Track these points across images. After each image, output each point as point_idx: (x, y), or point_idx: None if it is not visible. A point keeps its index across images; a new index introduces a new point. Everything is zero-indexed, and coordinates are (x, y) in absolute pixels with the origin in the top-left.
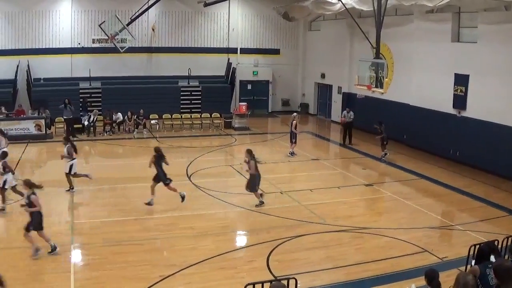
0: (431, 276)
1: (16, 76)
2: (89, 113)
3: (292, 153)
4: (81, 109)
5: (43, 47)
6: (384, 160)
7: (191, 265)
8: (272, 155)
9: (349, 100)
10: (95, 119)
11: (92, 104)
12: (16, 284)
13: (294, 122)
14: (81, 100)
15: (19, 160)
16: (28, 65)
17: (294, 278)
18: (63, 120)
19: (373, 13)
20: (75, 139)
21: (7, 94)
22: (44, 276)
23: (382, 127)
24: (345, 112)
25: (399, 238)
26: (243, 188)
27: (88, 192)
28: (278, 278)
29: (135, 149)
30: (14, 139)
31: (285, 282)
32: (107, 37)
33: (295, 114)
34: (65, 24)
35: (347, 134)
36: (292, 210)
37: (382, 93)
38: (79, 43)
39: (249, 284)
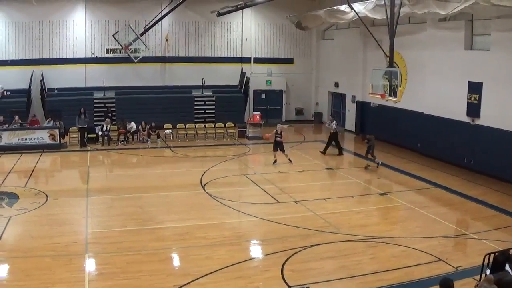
0: (446, 285)
1: (30, 86)
2: (102, 123)
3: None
4: (104, 118)
5: (57, 57)
6: (375, 164)
7: (206, 275)
8: (285, 165)
9: (363, 109)
10: (108, 128)
11: (105, 114)
12: None
13: (283, 132)
14: (105, 109)
15: (33, 169)
16: (42, 75)
17: (307, 287)
18: (77, 129)
19: (386, 22)
20: (88, 148)
21: (21, 103)
22: (58, 285)
23: (367, 138)
24: (328, 121)
25: (413, 247)
26: (257, 198)
27: (103, 202)
28: (292, 287)
29: (149, 158)
30: (28, 148)
31: None
32: (121, 47)
33: (279, 125)
34: (79, 34)
35: (332, 144)
36: (307, 219)
37: (396, 102)
38: (92, 53)
39: None
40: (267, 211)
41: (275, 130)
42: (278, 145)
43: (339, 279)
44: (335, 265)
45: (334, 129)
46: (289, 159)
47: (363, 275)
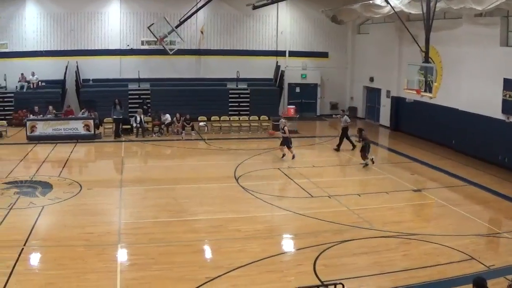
0: (480, 284)
1: (65, 76)
2: (135, 114)
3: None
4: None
5: (92, 48)
6: (366, 164)
7: (238, 268)
8: (320, 159)
9: (398, 104)
10: (141, 118)
11: (140, 106)
12: (62, 282)
13: (286, 127)
14: (141, 101)
15: (67, 159)
16: (77, 66)
17: (341, 283)
18: (112, 120)
19: (422, 17)
20: (123, 139)
21: (55, 94)
22: (90, 275)
23: (362, 134)
24: (339, 116)
25: (446, 245)
26: (291, 191)
27: (136, 192)
28: (324, 283)
29: (183, 150)
30: (63, 138)
31: (332, 287)
32: (156, 39)
33: (283, 120)
34: (114, 26)
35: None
36: (340, 214)
37: (431, 98)
38: (128, 45)
39: None
40: (300, 205)
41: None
42: (284, 141)
43: (371, 275)
44: (368, 261)
45: (346, 124)
46: (293, 155)
47: (395, 271)
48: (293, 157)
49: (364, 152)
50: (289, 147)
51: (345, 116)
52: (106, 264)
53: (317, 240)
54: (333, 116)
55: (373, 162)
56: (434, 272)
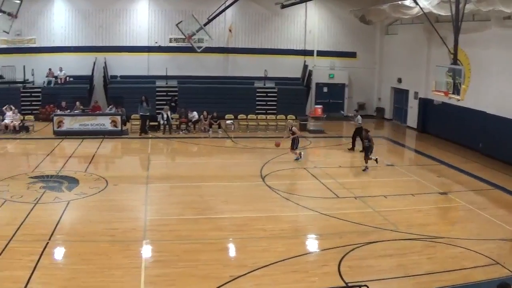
0: None
1: (92, 72)
2: (162, 111)
3: (300, 156)
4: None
5: (120, 45)
6: (367, 167)
7: (262, 267)
8: (346, 159)
9: (425, 106)
10: (168, 115)
11: (167, 103)
12: (86, 277)
13: (294, 128)
14: (169, 98)
15: (94, 155)
16: (105, 62)
17: (366, 285)
18: (138, 117)
19: (451, 18)
20: (149, 136)
21: (83, 90)
22: (115, 270)
23: (367, 135)
24: (353, 115)
25: (471, 249)
26: (317, 192)
27: (162, 189)
28: (349, 284)
29: (209, 148)
30: (90, 134)
31: None
32: (184, 37)
33: (290, 121)
34: (143, 23)
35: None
36: (366, 216)
37: (459, 100)
38: (156, 42)
39: None
40: (326, 205)
41: (287, 128)
42: (292, 142)
43: (395, 277)
44: (392, 264)
45: (359, 124)
46: (299, 155)
47: (420, 275)
48: (298, 158)
49: (367, 153)
50: (293, 148)
51: (358, 116)
52: (130, 260)
53: (342, 241)
54: (342, 114)
55: (376, 162)
56: (459, 276)
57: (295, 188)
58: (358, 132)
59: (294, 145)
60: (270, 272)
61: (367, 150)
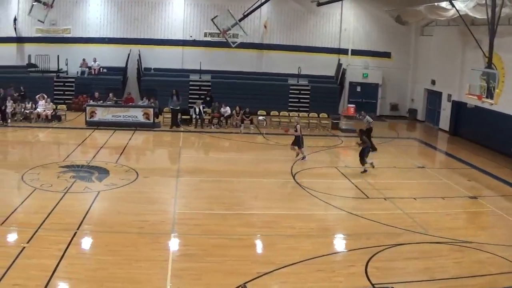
0: None
1: (126, 64)
2: (194, 105)
3: (304, 157)
4: (203, 100)
5: (155, 37)
6: (365, 170)
7: (289, 265)
8: (377, 160)
9: (458, 109)
10: (200, 110)
11: (201, 97)
12: (113, 268)
13: (299, 126)
14: (205, 92)
15: (125, 147)
16: (139, 55)
17: (392, 287)
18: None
19: (486, 21)
20: (181, 129)
21: (116, 81)
22: (142, 262)
23: (362, 135)
24: (361, 116)
25: (499, 255)
26: (346, 191)
27: (192, 183)
28: (375, 285)
29: (241, 144)
30: (122, 125)
31: None
32: (219, 32)
33: (297, 118)
34: (178, 16)
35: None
36: (395, 217)
37: (492, 104)
38: (191, 36)
39: None
40: (355, 205)
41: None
42: (294, 139)
43: (421, 281)
44: (419, 267)
45: (368, 125)
46: (303, 156)
47: (446, 279)
48: (303, 158)
49: (363, 155)
50: (299, 147)
51: (367, 116)
52: (158, 253)
53: (370, 242)
54: (357, 116)
55: (373, 167)
56: (485, 281)
57: (325, 186)
58: (368, 133)
59: (299, 144)
60: (296, 270)
61: (362, 153)
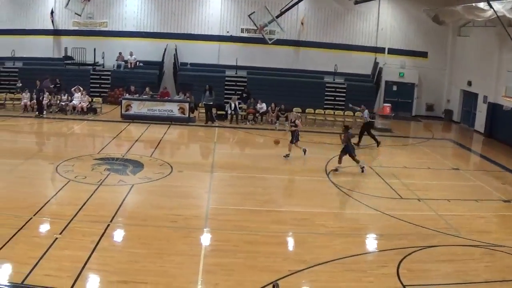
0: None
1: (163, 59)
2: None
3: (288, 155)
4: (239, 96)
5: (192, 33)
6: (362, 166)
7: (321, 263)
8: (412, 160)
9: (494, 111)
10: (235, 105)
11: (237, 92)
12: (144, 261)
13: (298, 121)
14: (243, 88)
15: (160, 140)
16: (176, 49)
17: None
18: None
19: None
20: (216, 125)
21: (153, 75)
22: (174, 256)
23: (347, 133)
24: (360, 110)
25: None
26: (380, 191)
27: (226, 178)
28: (407, 287)
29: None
30: (157, 119)
31: None
32: (256, 28)
33: (295, 113)
34: (215, 11)
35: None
36: (427, 218)
37: None
38: (227, 32)
39: None
40: (388, 205)
41: (289, 120)
42: (292, 135)
43: (453, 283)
44: (451, 269)
45: (367, 119)
46: (303, 151)
47: (476, 282)
48: (287, 155)
49: (350, 154)
50: (293, 142)
51: (366, 110)
52: (190, 248)
53: (402, 243)
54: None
55: (336, 170)
56: None
57: (359, 186)
58: (367, 128)
59: (293, 139)
60: (328, 269)
61: (348, 152)
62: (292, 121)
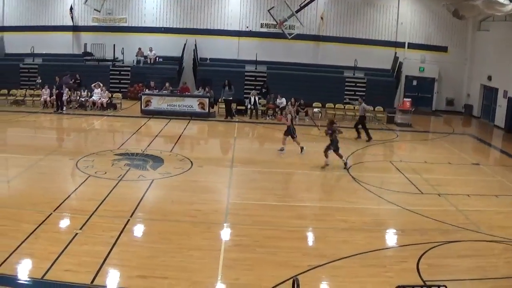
0: None
1: (182, 54)
2: (249, 95)
3: (303, 148)
4: (259, 91)
5: (211, 28)
6: (346, 162)
7: (341, 258)
8: (432, 155)
9: None
10: (255, 100)
11: (256, 87)
12: (164, 256)
13: (289, 115)
14: (262, 83)
15: (180, 136)
16: (196, 45)
17: (444, 286)
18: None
19: None
20: (236, 120)
21: (173, 71)
22: (194, 251)
23: (332, 127)
24: (358, 103)
25: None
26: (400, 186)
27: (245, 173)
28: (427, 282)
29: None
30: (177, 115)
31: None
32: (276, 23)
33: (289, 106)
34: (234, 7)
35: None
36: (448, 214)
37: None
38: (247, 27)
39: (399, 286)
40: (409, 200)
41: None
42: (287, 129)
43: (473, 279)
44: (471, 265)
45: (364, 113)
46: (301, 147)
47: (497, 278)
48: (302, 149)
49: (335, 149)
50: (292, 137)
51: (363, 103)
52: (210, 242)
53: (422, 238)
54: (347, 100)
55: (326, 165)
56: None
57: (379, 181)
58: (361, 121)
59: (291, 133)
60: (348, 264)
61: (332, 146)
62: (285, 115)
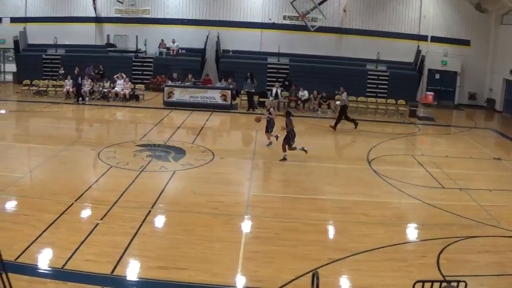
0: None
1: (205, 46)
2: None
3: (276, 138)
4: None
5: (234, 20)
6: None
7: (361, 252)
8: (454, 149)
9: None
10: (277, 92)
11: (279, 80)
12: (185, 247)
13: (272, 109)
14: (285, 75)
15: (202, 127)
16: (218, 37)
17: (464, 281)
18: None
19: None
20: (258, 112)
21: (195, 63)
22: (215, 243)
23: (288, 119)
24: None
25: None
26: (422, 180)
27: (267, 166)
28: (446, 277)
29: (317, 128)
30: (199, 106)
31: (455, 284)
32: (299, 15)
33: (270, 101)
34: None
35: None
36: (469, 208)
37: None
38: (270, 19)
39: (419, 281)
40: (430, 195)
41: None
42: (267, 124)
43: (492, 275)
44: (491, 260)
45: (345, 102)
46: (275, 137)
47: None
48: (270, 143)
49: (288, 141)
50: (267, 131)
51: (344, 93)
52: (231, 234)
53: (443, 233)
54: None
55: (305, 152)
56: None
57: (401, 175)
58: (343, 111)
59: (268, 128)
60: (368, 258)
61: (287, 137)
62: (267, 109)
